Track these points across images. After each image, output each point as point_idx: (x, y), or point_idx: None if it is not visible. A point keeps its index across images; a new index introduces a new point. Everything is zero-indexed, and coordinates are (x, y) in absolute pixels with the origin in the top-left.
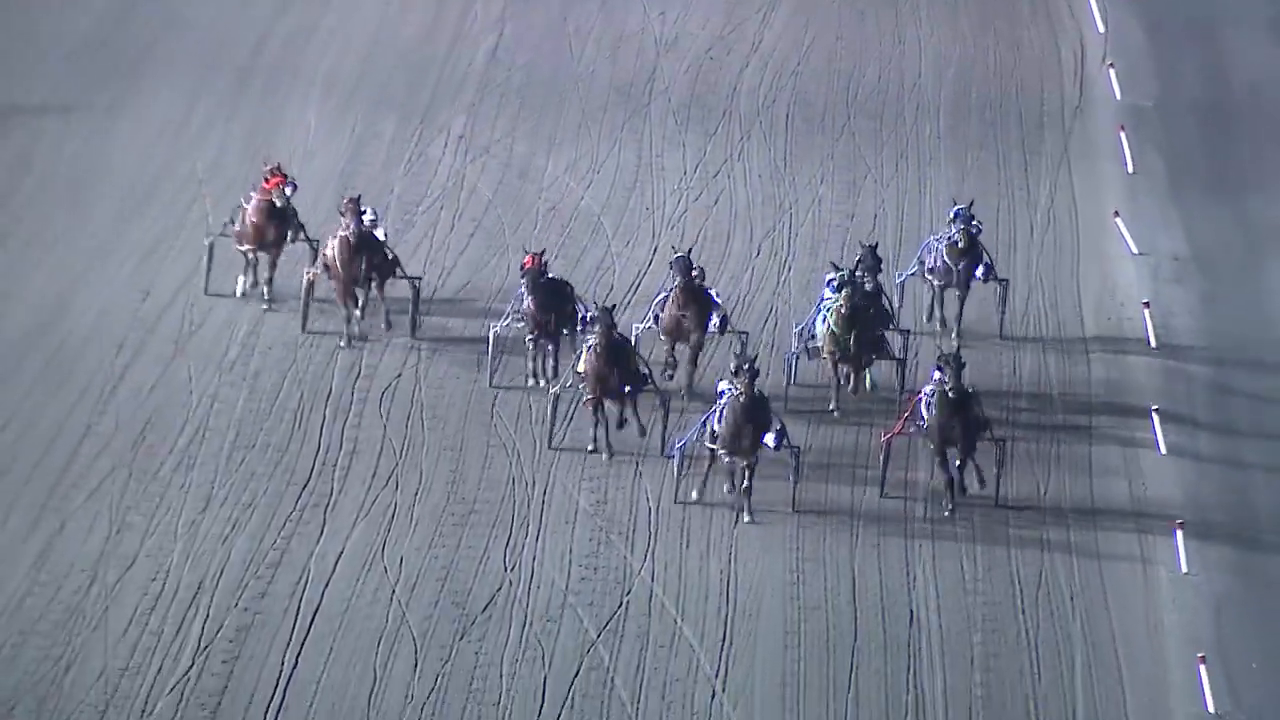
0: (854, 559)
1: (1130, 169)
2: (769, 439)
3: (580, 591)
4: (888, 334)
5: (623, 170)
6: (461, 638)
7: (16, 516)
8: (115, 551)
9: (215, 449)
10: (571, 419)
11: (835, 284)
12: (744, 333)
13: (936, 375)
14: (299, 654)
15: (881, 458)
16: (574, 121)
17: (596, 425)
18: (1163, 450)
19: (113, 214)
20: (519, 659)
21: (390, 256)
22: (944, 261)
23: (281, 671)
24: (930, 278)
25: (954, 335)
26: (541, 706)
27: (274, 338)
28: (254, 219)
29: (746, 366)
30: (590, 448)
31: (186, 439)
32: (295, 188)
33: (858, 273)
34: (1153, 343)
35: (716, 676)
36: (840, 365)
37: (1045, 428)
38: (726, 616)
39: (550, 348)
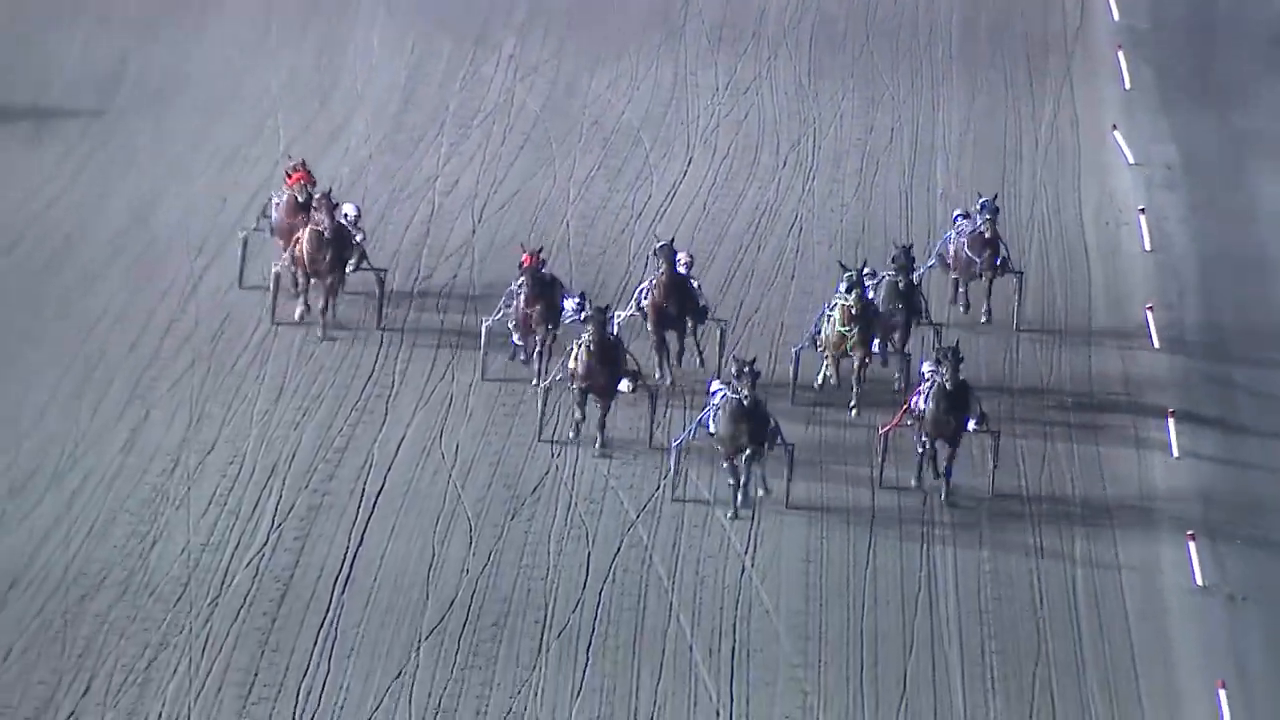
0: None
1: (1127, 86)
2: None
3: (620, 476)
4: (920, 327)
5: (660, 87)
6: (512, 517)
7: (106, 405)
8: (196, 438)
9: (286, 344)
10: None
11: (845, 285)
12: (723, 320)
13: (930, 368)
14: (364, 532)
15: (879, 451)
16: (616, 42)
17: (583, 420)
18: (1156, 345)
19: (195, 126)
20: (565, 537)
21: (361, 252)
22: (966, 253)
23: (348, 548)
24: (952, 270)
25: (983, 317)
26: (585, 580)
27: None
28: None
29: (748, 369)
30: (571, 434)
31: (261, 335)
32: (318, 188)
33: (891, 270)
34: (1147, 246)
35: (746, 553)
36: (841, 363)
37: (1052, 332)
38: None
39: (537, 342)
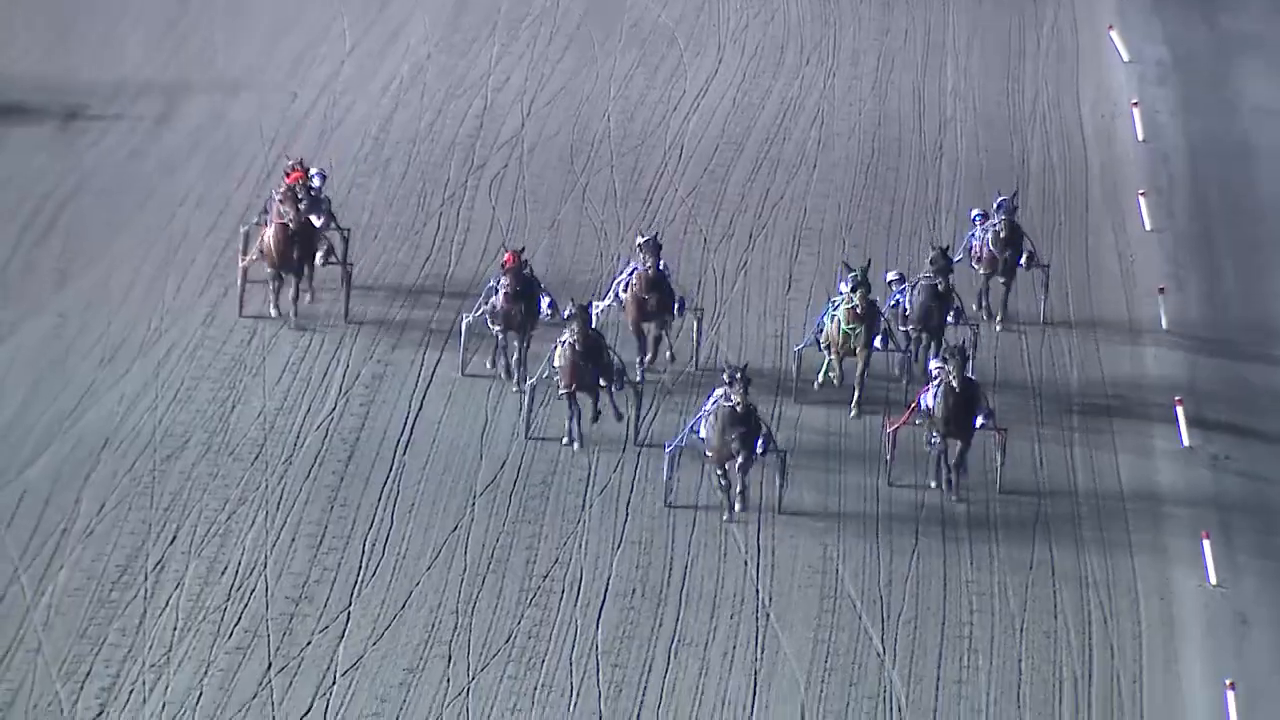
0: None
1: None
2: (758, 446)
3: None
4: (959, 328)
5: None
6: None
7: (188, 282)
8: (270, 312)
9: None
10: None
11: (850, 284)
12: (700, 309)
13: (938, 365)
14: (424, 398)
15: (889, 449)
16: None
17: (571, 418)
18: (1147, 226)
19: (265, 32)
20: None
21: (327, 245)
22: (989, 250)
23: (409, 413)
24: (976, 266)
25: (998, 320)
26: (624, 445)
27: (401, 135)
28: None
29: (739, 375)
30: (565, 440)
31: None
32: (324, 177)
33: (929, 273)
34: (1140, 136)
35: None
36: (844, 360)
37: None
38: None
39: (516, 343)
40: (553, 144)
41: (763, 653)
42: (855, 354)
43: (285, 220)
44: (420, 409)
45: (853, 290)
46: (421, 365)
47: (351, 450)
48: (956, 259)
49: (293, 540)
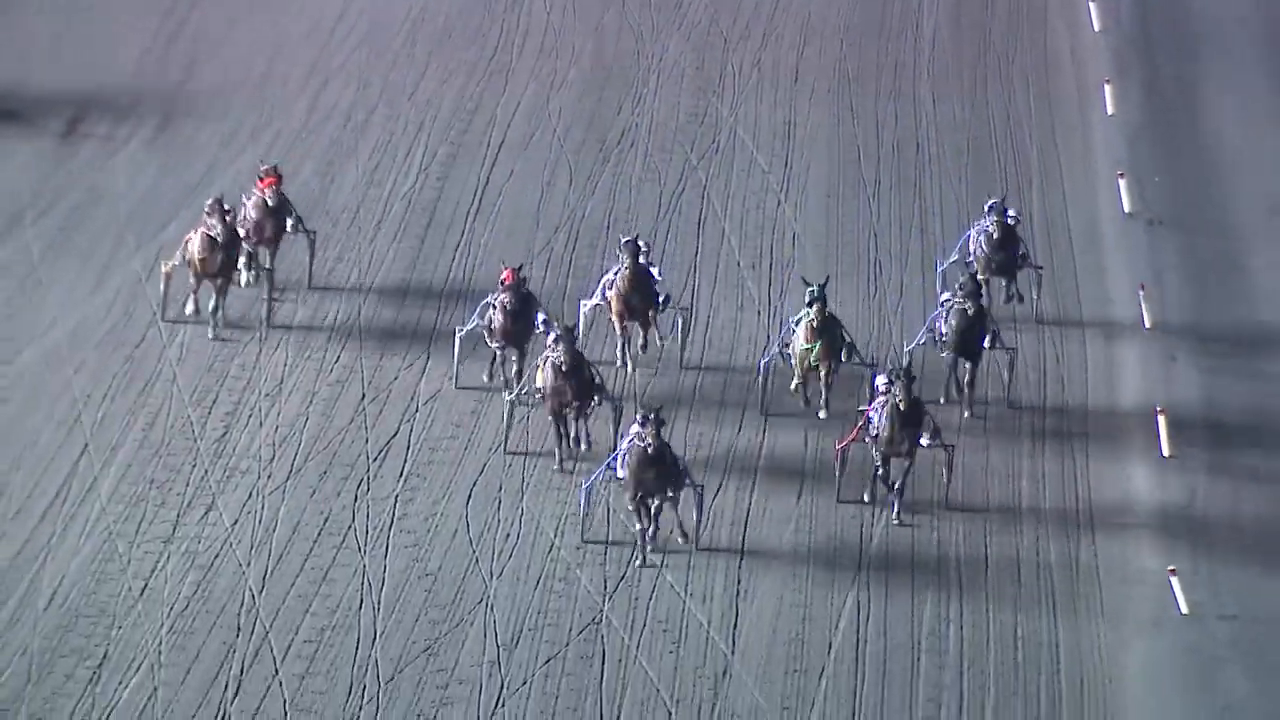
0: None
1: None
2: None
3: (686, 129)
4: (994, 351)
5: None
6: (604, 163)
7: (292, 79)
8: (362, 99)
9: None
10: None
11: (807, 299)
12: (685, 308)
13: (884, 385)
14: (489, 174)
15: (837, 464)
16: None
17: (561, 440)
18: (1109, 111)
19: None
20: (642, 179)
21: (249, 251)
22: (984, 251)
23: (478, 184)
24: (972, 267)
25: (1002, 298)
26: (659, 209)
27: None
28: (253, 214)
29: (652, 416)
30: (555, 467)
31: (405, 55)
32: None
33: (958, 297)
34: (1097, 27)
35: (781, 189)
36: (809, 375)
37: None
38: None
39: (514, 357)
40: (585, 14)
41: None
42: (816, 369)
43: (211, 231)
44: (486, 184)
45: (809, 305)
46: (488, 145)
47: (430, 216)
48: (952, 259)
49: (379, 298)
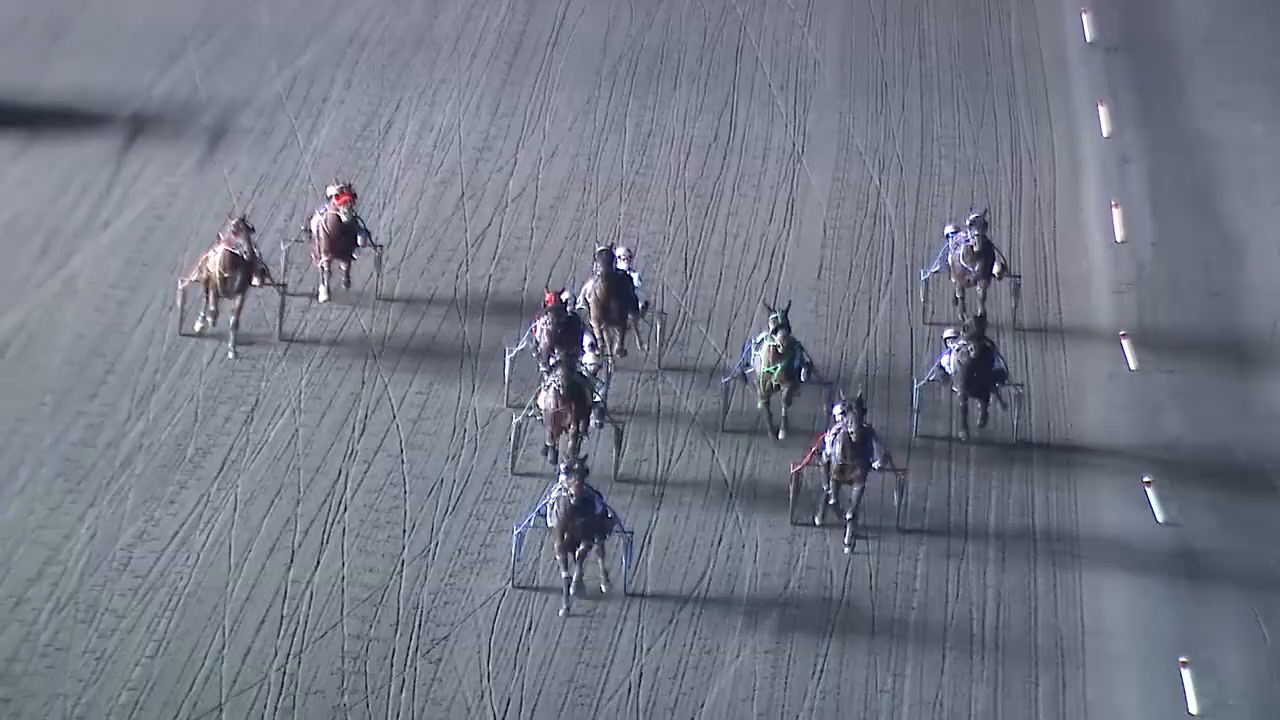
0: None
1: None
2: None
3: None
4: (1003, 388)
5: None
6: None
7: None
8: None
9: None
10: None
11: (771, 325)
12: (663, 313)
13: (840, 414)
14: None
15: (791, 488)
16: None
17: (557, 461)
18: (1087, 37)
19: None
20: (689, 15)
21: (262, 268)
22: (961, 263)
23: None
24: (952, 278)
25: (978, 310)
26: (704, 42)
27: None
28: (327, 230)
29: (576, 467)
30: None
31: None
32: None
33: (962, 338)
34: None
35: (805, 24)
36: (771, 399)
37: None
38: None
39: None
40: None
41: None
42: (779, 390)
43: (235, 249)
44: (564, 17)
45: (774, 332)
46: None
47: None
48: (934, 269)
49: (478, 108)
